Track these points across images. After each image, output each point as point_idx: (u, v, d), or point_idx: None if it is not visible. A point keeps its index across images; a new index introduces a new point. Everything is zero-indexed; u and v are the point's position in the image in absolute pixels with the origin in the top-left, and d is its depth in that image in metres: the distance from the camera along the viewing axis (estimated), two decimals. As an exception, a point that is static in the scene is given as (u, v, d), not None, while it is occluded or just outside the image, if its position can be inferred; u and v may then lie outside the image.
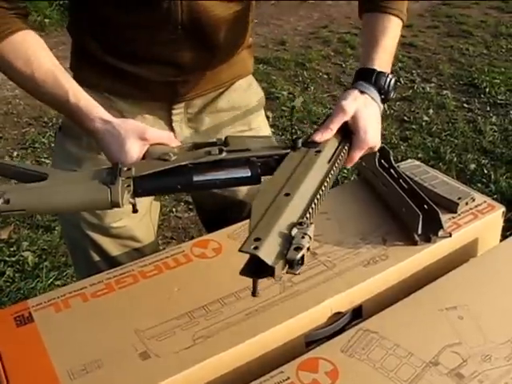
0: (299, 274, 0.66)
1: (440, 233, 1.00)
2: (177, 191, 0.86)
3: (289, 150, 0.87)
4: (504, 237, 1.14)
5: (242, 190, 1.22)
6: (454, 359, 0.78)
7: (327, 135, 0.90)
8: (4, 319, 0.83)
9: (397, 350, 0.79)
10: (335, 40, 4.51)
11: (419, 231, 0.99)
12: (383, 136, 3.04)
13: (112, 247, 1.10)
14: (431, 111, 3.19)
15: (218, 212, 1.26)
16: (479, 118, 3.10)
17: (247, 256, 0.96)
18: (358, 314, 0.92)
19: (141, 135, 0.86)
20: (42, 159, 2.86)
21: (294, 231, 0.67)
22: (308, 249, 0.66)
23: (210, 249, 0.99)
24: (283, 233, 0.68)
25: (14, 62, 0.87)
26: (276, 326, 0.83)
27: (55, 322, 0.83)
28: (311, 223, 0.70)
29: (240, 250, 0.65)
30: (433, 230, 1.00)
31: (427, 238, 1.00)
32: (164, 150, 0.86)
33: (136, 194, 0.82)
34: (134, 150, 0.86)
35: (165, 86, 1.02)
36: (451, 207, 1.08)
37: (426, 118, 3.11)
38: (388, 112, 3.21)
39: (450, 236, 1.01)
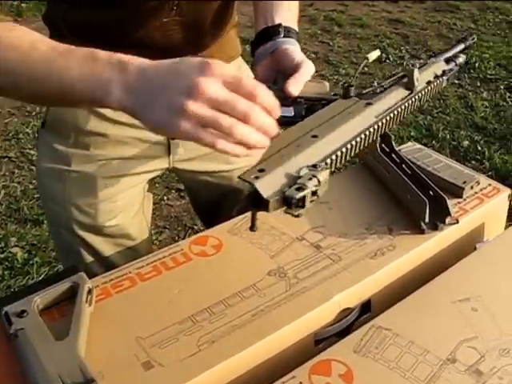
0: (298, 216, 0.63)
1: (447, 220, 0.97)
2: None
3: (338, 97, 0.84)
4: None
5: (236, 177, 1.18)
6: (471, 355, 0.75)
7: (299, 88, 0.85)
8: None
9: (412, 347, 0.76)
10: (321, 18, 4.44)
11: (426, 219, 0.95)
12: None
13: (106, 247, 1.06)
14: (421, 88, 3.14)
15: (213, 202, 1.22)
16: (470, 93, 3.07)
17: (249, 250, 0.92)
18: (366, 309, 0.89)
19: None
20: (27, 150, 2.78)
21: (304, 171, 0.65)
22: (314, 193, 0.63)
23: (210, 246, 0.95)
24: (291, 172, 0.65)
25: (16, 47, 0.70)
26: (284, 326, 0.79)
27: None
28: (332, 170, 0.67)
29: (239, 177, 0.64)
30: (440, 217, 0.96)
31: (434, 226, 0.96)
32: None
33: None
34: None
35: None
36: (456, 192, 1.05)
37: (416, 96, 3.06)
38: (378, 90, 3.16)
39: (458, 222, 0.98)
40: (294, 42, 0.92)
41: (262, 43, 0.93)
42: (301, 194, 0.61)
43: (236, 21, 1.10)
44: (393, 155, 1.09)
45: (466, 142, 2.62)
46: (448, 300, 0.83)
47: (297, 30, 0.96)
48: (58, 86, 0.69)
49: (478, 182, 1.08)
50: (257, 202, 0.63)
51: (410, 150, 1.18)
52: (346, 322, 0.86)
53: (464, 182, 1.06)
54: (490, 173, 2.37)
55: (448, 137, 2.66)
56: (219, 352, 0.74)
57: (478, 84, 3.16)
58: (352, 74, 3.36)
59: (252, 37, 0.97)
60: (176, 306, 0.82)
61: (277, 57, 0.91)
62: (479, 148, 2.56)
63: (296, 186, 0.62)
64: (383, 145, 1.11)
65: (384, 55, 3.59)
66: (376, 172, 1.10)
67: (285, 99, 0.81)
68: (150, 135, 0.98)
